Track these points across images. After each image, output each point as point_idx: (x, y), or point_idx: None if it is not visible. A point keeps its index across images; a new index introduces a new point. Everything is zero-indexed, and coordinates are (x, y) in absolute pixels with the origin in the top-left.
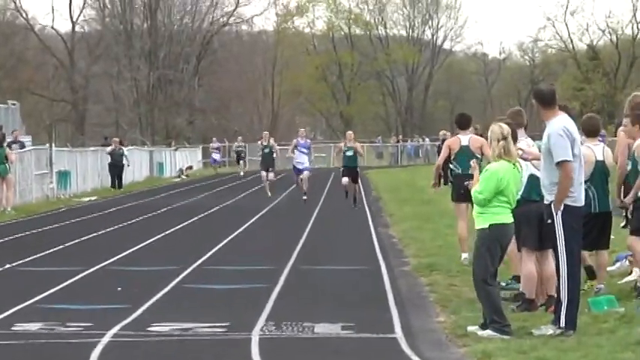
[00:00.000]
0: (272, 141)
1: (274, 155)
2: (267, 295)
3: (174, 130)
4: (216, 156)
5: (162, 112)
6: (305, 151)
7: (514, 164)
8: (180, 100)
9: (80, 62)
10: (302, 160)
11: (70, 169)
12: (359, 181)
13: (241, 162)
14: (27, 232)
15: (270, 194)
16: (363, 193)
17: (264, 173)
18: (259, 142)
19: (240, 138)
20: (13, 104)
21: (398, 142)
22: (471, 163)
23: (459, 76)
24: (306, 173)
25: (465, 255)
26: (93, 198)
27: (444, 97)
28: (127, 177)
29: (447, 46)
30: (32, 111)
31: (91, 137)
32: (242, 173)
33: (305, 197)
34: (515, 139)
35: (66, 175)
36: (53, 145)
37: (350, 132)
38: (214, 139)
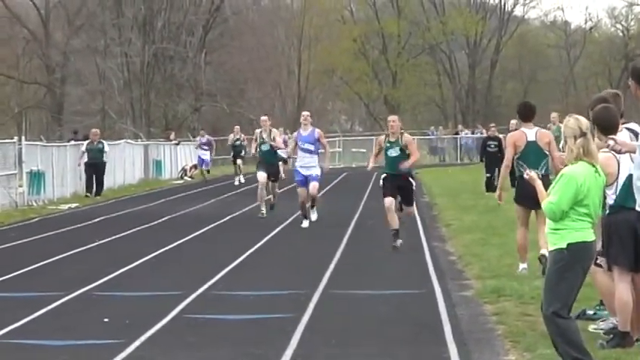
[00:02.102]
0: (276, 133)
1: (279, 155)
2: (293, 327)
3: (175, 119)
4: (205, 155)
5: (161, 97)
6: (310, 147)
7: (595, 167)
8: (183, 81)
9: (57, 34)
10: (306, 163)
11: (45, 170)
12: (414, 201)
13: (239, 162)
14: None
15: (265, 212)
16: (415, 210)
17: (262, 174)
18: (257, 133)
19: (237, 128)
20: None
21: (456, 133)
22: (525, 175)
23: (534, 50)
24: (313, 185)
25: (523, 266)
26: (73, 205)
27: (514, 76)
28: (117, 179)
29: (518, 12)
30: None
31: (71, 129)
32: (241, 180)
33: (306, 222)
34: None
35: (39, 176)
36: (23, 138)
37: (393, 117)
38: (202, 131)
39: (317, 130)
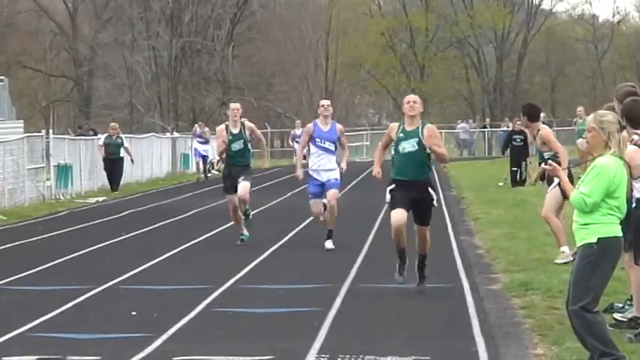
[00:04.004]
0: (252, 127)
1: (252, 153)
2: (320, 320)
3: (202, 112)
4: (204, 148)
5: (188, 91)
6: (331, 147)
7: (623, 161)
8: (211, 75)
9: (84, 28)
10: (323, 165)
11: (72, 163)
12: (430, 220)
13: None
14: (18, 242)
15: (246, 232)
16: (443, 204)
17: (232, 197)
18: (221, 129)
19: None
20: (1, 81)
21: (484, 127)
22: (545, 166)
23: (561, 43)
24: (332, 193)
25: (564, 248)
26: (101, 199)
27: (542, 70)
28: (144, 172)
29: (546, 5)
30: (24, 89)
31: (99, 122)
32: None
33: (330, 245)
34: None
35: (67, 170)
36: (51, 132)
37: (413, 97)
38: (200, 123)
39: (338, 126)
